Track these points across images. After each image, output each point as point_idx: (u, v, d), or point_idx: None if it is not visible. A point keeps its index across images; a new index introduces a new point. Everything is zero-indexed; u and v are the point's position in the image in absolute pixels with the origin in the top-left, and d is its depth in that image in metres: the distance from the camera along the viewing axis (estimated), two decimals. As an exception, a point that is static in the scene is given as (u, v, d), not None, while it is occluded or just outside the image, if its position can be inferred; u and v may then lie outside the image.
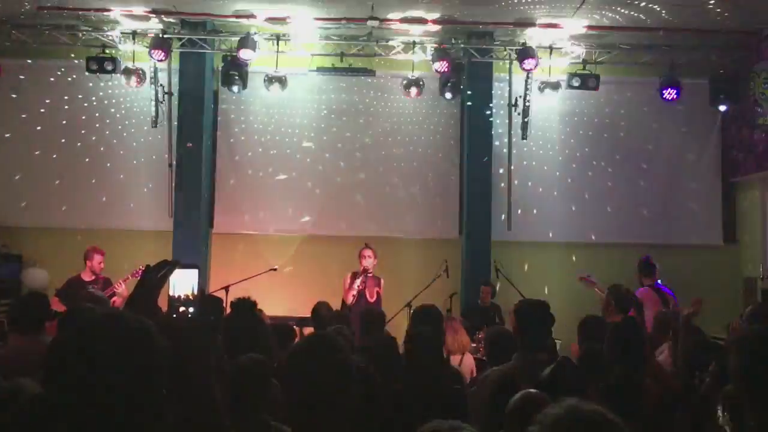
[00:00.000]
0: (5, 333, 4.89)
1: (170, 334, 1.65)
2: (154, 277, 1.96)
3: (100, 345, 1.43)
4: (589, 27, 9.50)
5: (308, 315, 6.40)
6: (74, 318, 3.85)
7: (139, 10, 9.34)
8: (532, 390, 2.93)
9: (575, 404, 1.47)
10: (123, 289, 7.91)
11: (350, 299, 7.84)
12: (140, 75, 9.87)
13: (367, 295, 7.99)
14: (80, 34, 9.91)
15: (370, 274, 8.04)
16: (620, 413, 1.51)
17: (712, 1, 8.58)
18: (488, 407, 3.15)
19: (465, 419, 3.06)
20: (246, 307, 3.97)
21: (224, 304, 6.14)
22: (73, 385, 1.39)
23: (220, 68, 10.22)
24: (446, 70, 9.67)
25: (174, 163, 10.12)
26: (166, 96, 10.09)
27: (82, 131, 10.40)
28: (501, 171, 10.55)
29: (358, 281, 7.92)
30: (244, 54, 9.44)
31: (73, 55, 10.21)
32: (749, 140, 10.31)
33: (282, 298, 9.00)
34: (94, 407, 1.39)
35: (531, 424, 1.46)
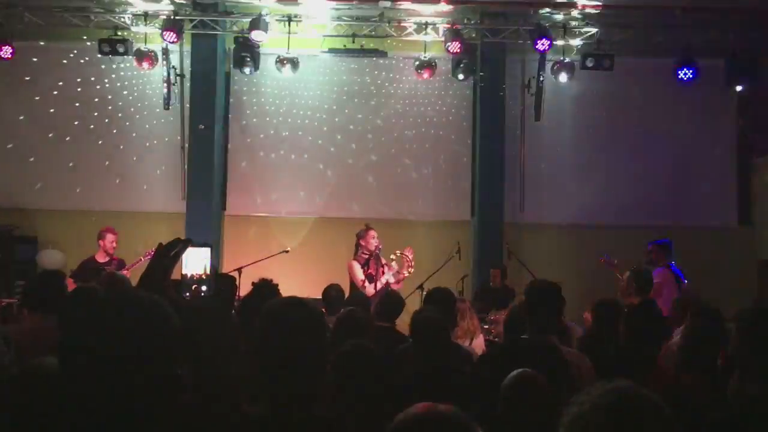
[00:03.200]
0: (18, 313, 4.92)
1: (184, 313, 1.65)
2: (167, 255, 1.96)
3: (113, 325, 1.43)
4: (604, 6, 9.38)
5: (319, 297, 6.40)
6: (78, 298, 3.86)
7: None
8: (527, 370, 2.93)
9: (621, 386, 1.44)
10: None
11: (370, 289, 7.51)
12: (152, 57, 9.84)
13: (379, 279, 7.79)
14: (92, 16, 9.89)
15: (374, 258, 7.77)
16: None
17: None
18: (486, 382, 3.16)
19: (469, 400, 3.08)
20: (267, 289, 3.98)
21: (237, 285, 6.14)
22: (88, 366, 1.40)
23: (231, 50, 10.19)
24: (459, 50, 9.58)
25: (186, 145, 10.15)
26: (178, 78, 10.08)
27: (95, 113, 10.43)
28: (514, 152, 10.49)
29: (368, 266, 7.67)
30: (256, 35, 9.39)
31: (85, 37, 10.21)
32: (766, 121, 10.19)
33: (294, 280, 8.98)
34: (108, 388, 1.39)
35: (525, 403, 1.45)
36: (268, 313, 2.05)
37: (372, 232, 7.79)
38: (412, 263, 7.81)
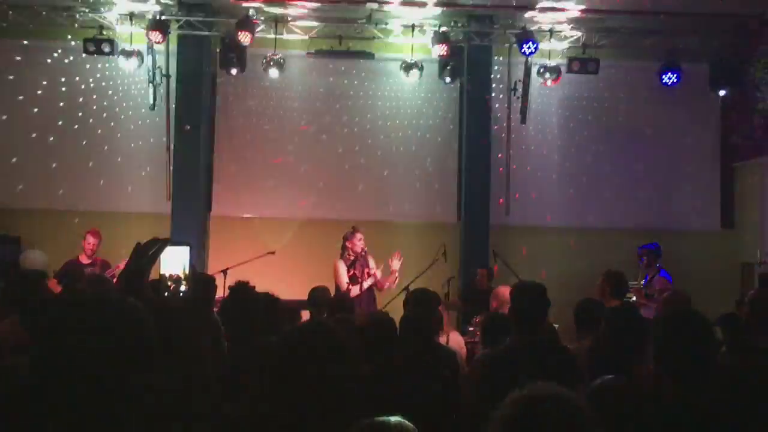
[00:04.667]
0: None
1: (161, 314, 1.64)
2: (145, 255, 1.95)
3: (86, 328, 1.42)
4: (590, 11, 9.44)
5: (305, 298, 6.39)
6: (64, 300, 3.84)
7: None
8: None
9: (533, 386, 1.48)
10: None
11: (354, 291, 7.50)
12: (138, 57, 9.79)
13: (363, 282, 7.76)
14: (77, 15, 9.82)
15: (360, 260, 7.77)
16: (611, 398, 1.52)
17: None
18: (478, 389, 3.17)
19: (453, 401, 3.07)
20: (242, 290, 3.98)
21: (218, 286, 6.11)
22: (60, 368, 1.38)
23: (218, 50, 10.16)
24: (445, 53, 9.61)
25: (172, 145, 10.09)
26: (163, 78, 10.03)
27: (80, 114, 10.36)
28: (500, 155, 10.53)
29: (354, 267, 7.67)
30: (242, 36, 9.37)
31: (70, 37, 10.14)
32: (749, 125, 10.30)
33: (280, 282, 8.91)
34: (80, 390, 1.38)
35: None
36: (287, 340, 1.99)
37: (358, 234, 7.80)
38: (397, 278, 7.79)
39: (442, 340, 5.30)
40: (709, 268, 10.12)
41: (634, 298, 8.08)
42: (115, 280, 7.72)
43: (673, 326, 2.56)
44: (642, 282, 8.35)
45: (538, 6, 9.40)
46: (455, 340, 5.65)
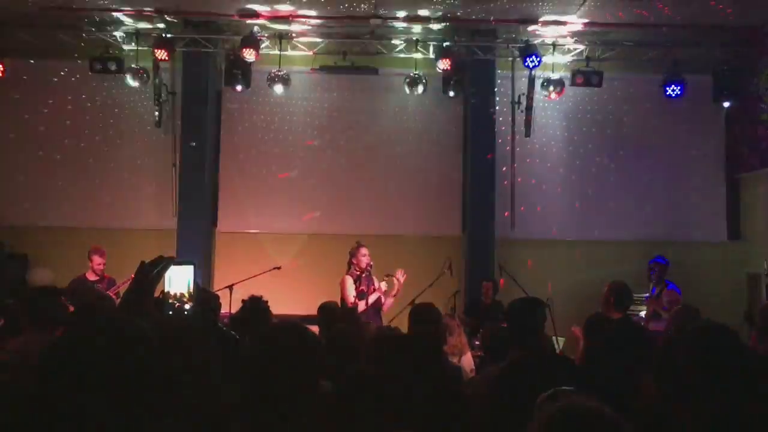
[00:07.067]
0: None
1: (166, 334, 1.65)
2: (149, 273, 1.96)
3: (93, 351, 1.43)
4: (592, 24, 9.48)
5: (312, 313, 6.38)
6: (84, 316, 3.85)
7: (143, 9, 9.36)
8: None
9: (573, 400, 1.48)
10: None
11: (361, 305, 7.55)
12: (144, 75, 9.88)
13: (369, 297, 7.76)
14: (84, 35, 9.92)
15: (366, 275, 7.77)
16: (614, 410, 1.52)
17: (715, -3, 8.55)
18: (487, 405, 3.16)
19: (460, 419, 3.07)
20: (257, 306, 4.00)
21: (223, 302, 6.10)
22: (67, 391, 1.39)
23: (223, 67, 10.23)
24: (449, 68, 9.67)
25: (178, 162, 10.16)
26: (169, 96, 10.12)
27: (86, 131, 10.44)
28: (504, 168, 10.54)
29: (360, 282, 7.68)
30: (247, 53, 9.45)
31: (76, 56, 10.23)
32: (753, 136, 10.28)
33: (286, 297, 8.99)
34: (86, 408, 1.39)
35: None
36: (262, 337, 2.05)
37: (363, 249, 7.78)
38: (401, 288, 7.78)
39: (454, 359, 5.27)
40: (716, 279, 10.09)
41: (643, 313, 8.06)
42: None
43: (704, 343, 2.55)
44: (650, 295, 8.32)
45: (540, 20, 9.45)
46: (467, 361, 5.60)
